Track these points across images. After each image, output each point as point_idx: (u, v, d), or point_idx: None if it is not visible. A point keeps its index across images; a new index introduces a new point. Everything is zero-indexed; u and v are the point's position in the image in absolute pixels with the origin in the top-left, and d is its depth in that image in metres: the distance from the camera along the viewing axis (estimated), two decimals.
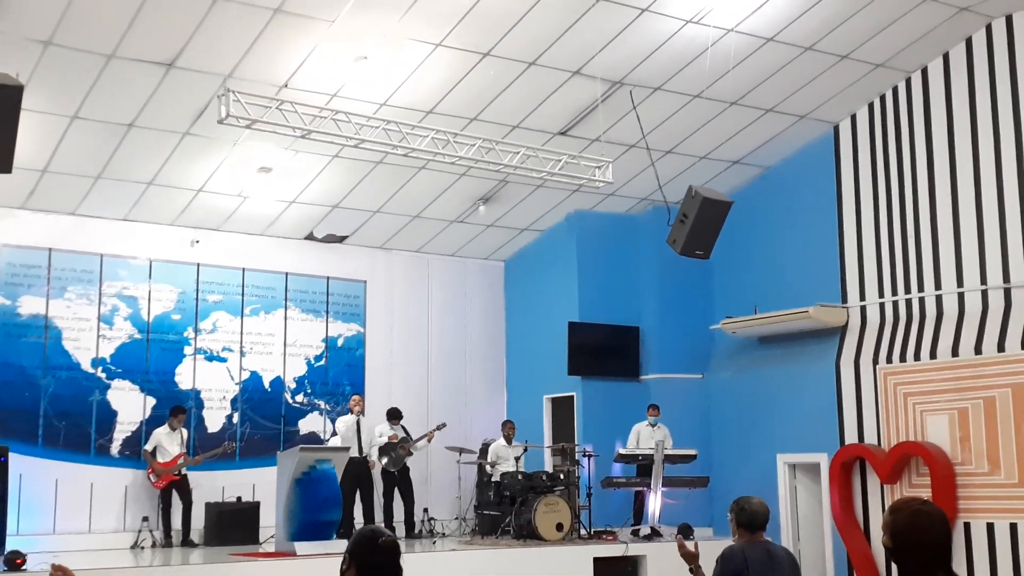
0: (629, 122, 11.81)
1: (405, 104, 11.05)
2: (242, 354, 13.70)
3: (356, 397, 13.24)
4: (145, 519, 12.22)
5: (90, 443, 12.51)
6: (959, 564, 11.26)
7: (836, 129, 13.28)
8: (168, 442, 12.35)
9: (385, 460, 12.95)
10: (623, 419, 13.84)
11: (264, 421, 13.70)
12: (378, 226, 14.11)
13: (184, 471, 12.32)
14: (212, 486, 12.73)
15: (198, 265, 13.47)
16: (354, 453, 12.49)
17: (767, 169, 13.96)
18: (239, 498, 12.79)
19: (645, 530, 12.67)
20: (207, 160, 11.82)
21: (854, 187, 13.09)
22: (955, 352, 11.78)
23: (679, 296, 14.63)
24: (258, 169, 12.16)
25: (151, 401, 12.93)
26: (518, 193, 13.73)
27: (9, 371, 12.15)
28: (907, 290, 12.44)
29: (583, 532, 12.52)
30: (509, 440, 13.50)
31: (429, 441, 13.27)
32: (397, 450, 13.02)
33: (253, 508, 12.62)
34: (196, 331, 13.40)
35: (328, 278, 14.42)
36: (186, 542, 12.11)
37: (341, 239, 14.39)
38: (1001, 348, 11.36)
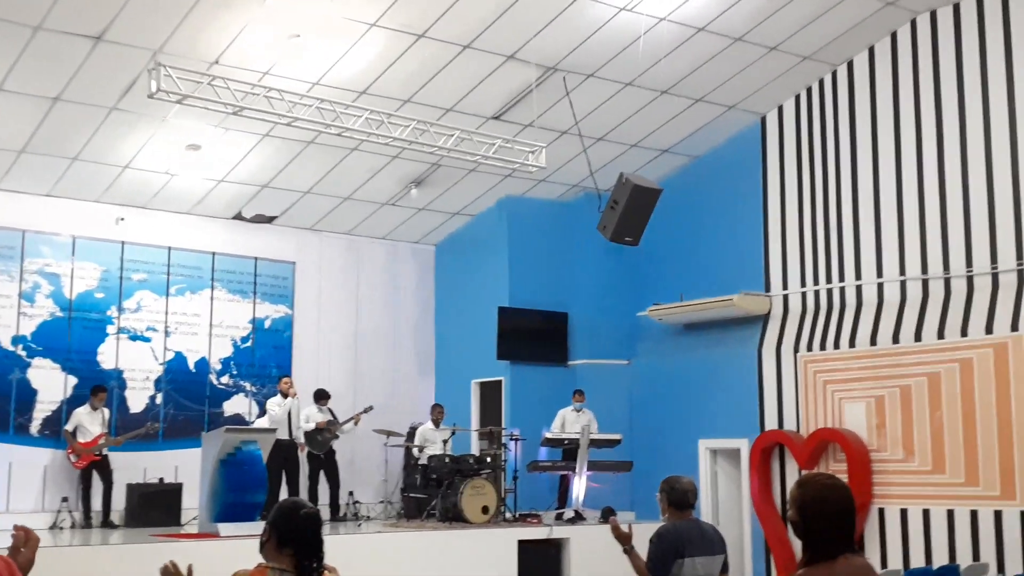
0: (562, 108, 11.90)
1: (338, 84, 10.99)
2: (167, 334, 13.51)
3: (288, 379, 13.04)
4: (65, 499, 12.05)
5: (9, 422, 12.25)
6: (873, 549, 11.63)
7: (763, 120, 13.52)
8: (89, 422, 12.15)
9: (309, 446, 12.90)
10: (551, 404, 13.96)
11: (188, 402, 13.54)
12: (308, 207, 14.00)
13: (105, 452, 12.14)
14: (134, 467, 12.55)
15: (123, 243, 13.24)
16: (284, 436, 12.40)
17: (696, 158, 14.17)
18: (161, 479, 12.64)
19: (569, 513, 12.80)
20: (135, 136, 11.63)
21: (779, 178, 13.36)
22: (873, 341, 12.09)
23: (608, 283, 14.80)
24: (187, 146, 12.00)
25: (72, 380, 12.70)
26: (450, 177, 13.74)
27: None
28: (828, 280, 12.73)
29: (508, 515, 12.61)
30: (437, 423, 13.53)
31: (356, 424, 13.24)
32: (324, 433, 12.98)
33: (176, 490, 12.48)
34: (120, 310, 13.18)
35: (256, 259, 14.28)
36: (106, 523, 11.93)
37: (270, 220, 14.25)
38: (918, 338, 11.69)
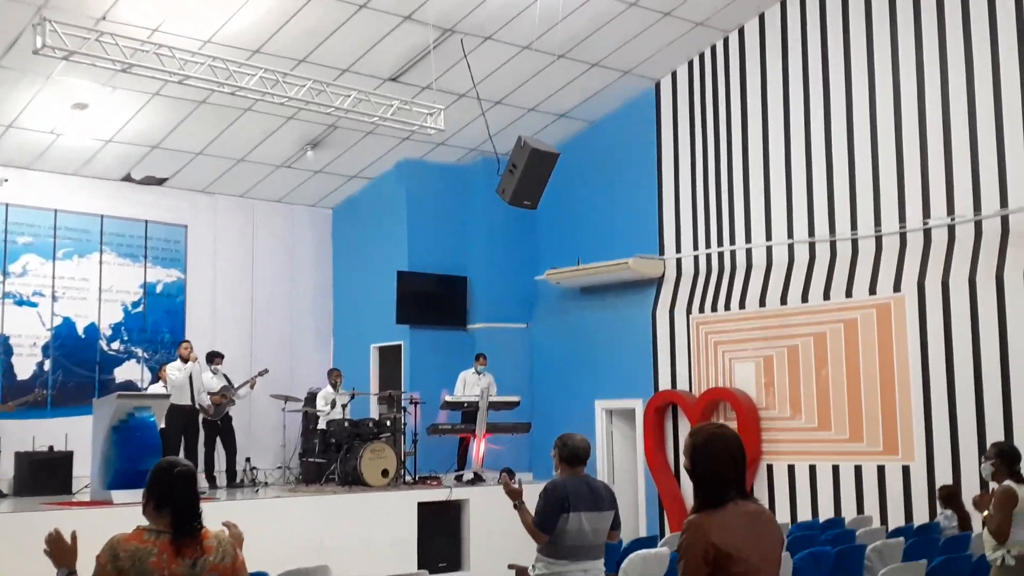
0: (460, 71, 11.86)
1: (231, 43, 10.77)
2: (54, 299, 13.15)
3: (188, 344, 12.65)
4: None
5: None
6: (762, 503, 12.01)
7: (657, 86, 13.71)
8: None
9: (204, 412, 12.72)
10: (450, 368, 14.00)
11: (78, 369, 13.22)
12: (201, 169, 13.73)
13: None
14: (22, 435, 12.20)
15: (7, 205, 12.82)
16: (186, 401, 12.15)
17: (592, 123, 14.30)
18: (51, 447, 12.31)
19: (468, 475, 12.91)
20: (18, 94, 11.24)
21: (673, 143, 13.58)
22: (762, 303, 12.43)
23: (506, 247, 14.88)
24: (73, 105, 11.64)
25: None
26: (348, 139, 13.62)
27: None
28: (720, 243, 13.02)
29: (408, 478, 12.66)
30: (335, 387, 13.46)
31: (252, 387, 13.05)
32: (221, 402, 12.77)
33: (66, 457, 12.16)
34: (4, 274, 12.78)
35: (147, 222, 13.97)
36: None
37: (161, 181, 13.93)
38: (805, 299, 12.06)
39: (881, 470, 11.28)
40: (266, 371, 13.16)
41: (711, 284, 13.04)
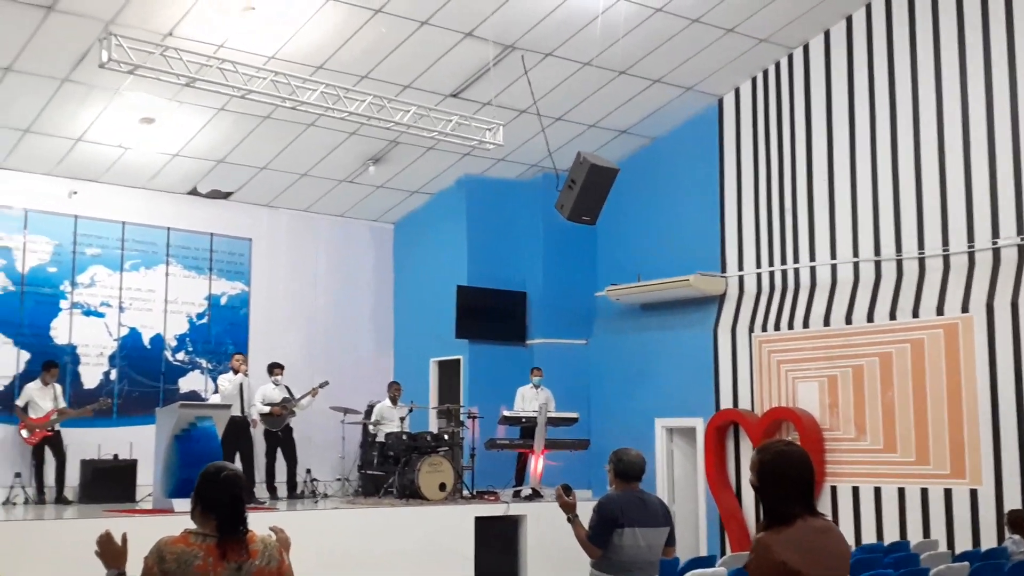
0: (520, 87, 11.89)
1: (294, 58, 10.90)
2: (121, 310, 13.39)
3: (240, 356, 12.94)
4: (18, 475, 11.94)
5: None
6: None
7: (720, 102, 13.60)
8: (40, 397, 12.03)
9: (265, 423, 12.84)
10: (508, 383, 14.00)
11: (143, 378, 13.44)
12: (264, 183, 13.91)
13: (57, 427, 12.02)
14: (88, 443, 12.44)
15: (76, 217, 13.10)
16: (236, 412, 12.32)
17: (653, 139, 14.23)
18: (116, 456, 12.54)
19: (526, 491, 12.87)
20: (87, 108, 11.48)
21: (736, 159, 13.45)
22: (827, 322, 12.23)
23: (565, 263, 14.85)
24: (140, 119, 11.86)
25: (25, 355, 12.56)
26: (408, 155, 13.70)
27: None
28: (783, 261, 12.86)
29: (466, 492, 12.65)
30: (394, 401, 13.53)
31: (312, 398, 13.14)
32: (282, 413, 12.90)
33: (130, 466, 12.38)
34: (73, 285, 13.05)
35: (212, 235, 14.18)
36: (60, 499, 11.84)
37: (226, 195, 14.15)
38: (871, 318, 11.83)
39: (948, 493, 11.02)
40: (326, 383, 13.25)
41: (774, 302, 12.87)
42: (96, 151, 12.41)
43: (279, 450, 12.95)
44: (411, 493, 11.81)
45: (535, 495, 12.67)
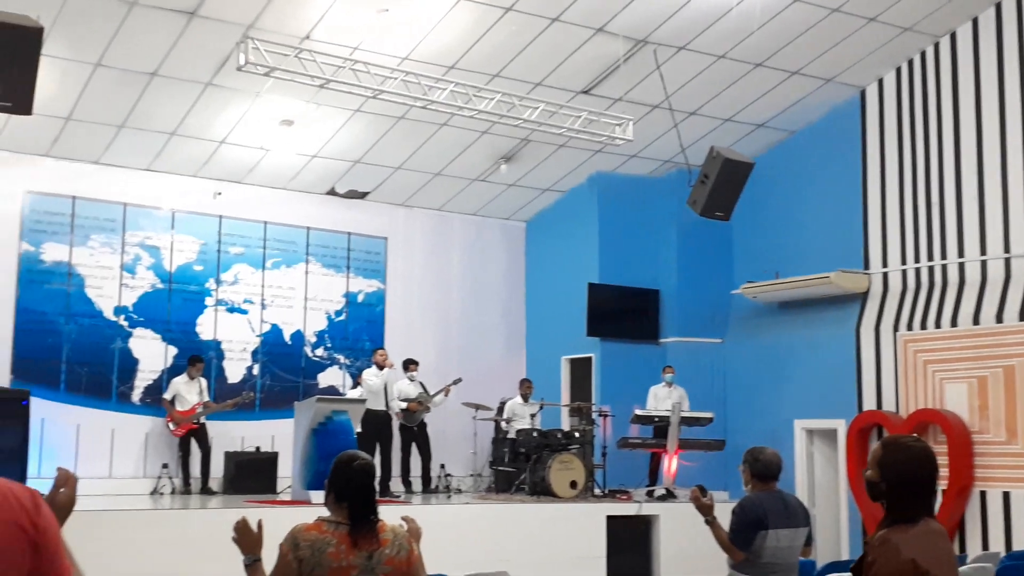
0: (652, 82, 11.73)
1: (426, 59, 11.01)
2: (263, 307, 13.79)
3: (383, 351, 13.04)
4: (165, 466, 12.41)
5: (111, 390, 12.66)
6: (974, 532, 11.30)
7: (863, 93, 13.14)
8: (186, 391, 12.49)
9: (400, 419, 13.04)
10: (640, 381, 13.86)
11: (284, 373, 13.81)
12: (400, 183, 14.12)
13: (203, 420, 12.46)
14: (231, 436, 12.88)
15: (220, 217, 13.54)
16: (380, 407, 12.51)
17: (792, 133, 13.85)
18: (258, 448, 12.92)
19: (660, 491, 12.72)
20: (229, 112, 11.86)
21: (879, 152, 12.98)
22: (976, 320, 11.70)
23: (699, 260, 14.60)
24: (280, 122, 12.18)
25: (172, 350, 13.05)
26: (540, 153, 13.70)
27: (32, 317, 12.28)
28: (930, 257, 12.35)
29: (597, 491, 12.58)
30: (526, 398, 13.56)
31: (446, 395, 13.28)
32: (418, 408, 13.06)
33: (271, 458, 12.73)
34: (218, 282, 13.50)
35: (349, 234, 14.47)
36: (205, 490, 12.27)
37: (363, 195, 14.42)
38: (1023, 317, 11.26)
39: None
40: (459, 380, 13.38)
41: (920, 300, 12.37)
42: (239, 153, 12.81)
43: (414, 445, 13.12)
44: (542, 490, 11.81)
45: (669, 495, 12.51)
